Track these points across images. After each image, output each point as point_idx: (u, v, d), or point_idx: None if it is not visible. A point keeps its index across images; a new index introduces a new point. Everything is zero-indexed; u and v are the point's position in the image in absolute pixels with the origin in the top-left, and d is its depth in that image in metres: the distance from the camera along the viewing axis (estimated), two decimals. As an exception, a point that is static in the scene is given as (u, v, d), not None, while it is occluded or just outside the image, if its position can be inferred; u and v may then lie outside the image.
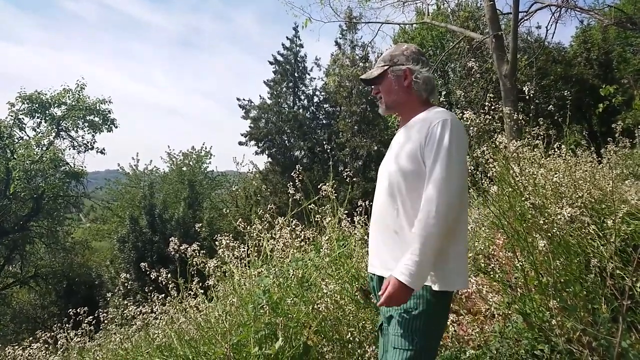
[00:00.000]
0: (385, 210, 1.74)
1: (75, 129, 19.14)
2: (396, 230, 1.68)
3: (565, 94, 5.52)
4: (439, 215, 1.52)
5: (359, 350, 2.54)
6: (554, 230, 2.64)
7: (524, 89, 3.30)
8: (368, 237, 1.93)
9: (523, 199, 2.75)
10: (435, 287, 1.60)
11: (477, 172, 3.00)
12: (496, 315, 2.74)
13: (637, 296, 2.27)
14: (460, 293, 2.99)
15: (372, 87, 1.90)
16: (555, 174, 3.16)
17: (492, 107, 3.05)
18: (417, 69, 1.77)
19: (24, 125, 18.67)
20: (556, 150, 3.78)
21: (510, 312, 2.64)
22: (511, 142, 3.13)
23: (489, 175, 3.05)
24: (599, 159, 4.32)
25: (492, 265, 2.78)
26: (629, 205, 3.00)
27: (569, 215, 2.62)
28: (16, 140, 18.36)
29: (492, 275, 2.76)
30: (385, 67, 1.81)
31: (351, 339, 2.57)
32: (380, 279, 1.74)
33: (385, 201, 1.74)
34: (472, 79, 12.74)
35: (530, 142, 3.70)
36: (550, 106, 3.62)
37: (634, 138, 4.76)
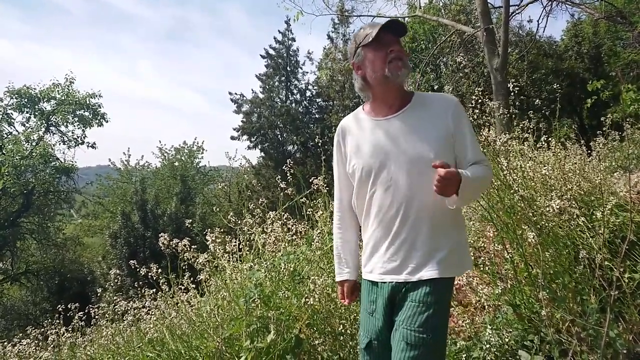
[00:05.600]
0: (424, 203, 1.58)
1: (65, 123, 19.02)
2: (437, 224, 1.59)
3: (555, 87, 5.56)
4: (490, 178, 1.68)
5: (350, 343, 2.55)
6: (543, 223, 2.67)
7: (509, 86, 3.31)
8: (361, 230, 1.77)
9: (512, 191, 2.77)
10: (455, 273, 1.64)
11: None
12: (486, 307, 2.76)
13: (624, 287, 2.30)
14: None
15: (388, 45, 1.61)
16: (545, 166, 3.18)
17: (480, 101, 3.06)
18: None
19: (12, 121, 18.52)
20: (544, 143, 3.80)
21: (500, 303, 2.67)
22: (501, 136, 3.15)
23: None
24: (589, 151, 4.36)
25: (483, 257, 2.80)
26: (618, 197, 3.03)
27: (558, 207, 2.64)
28: (5, 136, 18.15)
29: (482, 268, 2.78)
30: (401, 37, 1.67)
31: (343, 331, 2.59)
32: (398, 285, 1.59)
33: (421, 193, 1.57)
34: (464, 72, 12.78)
35: (520, 135, 3.72)
36: (538, 100, 3.64)
37: (623, 131, 4.80)
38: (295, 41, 19.87)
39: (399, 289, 1.59)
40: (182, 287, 3.01)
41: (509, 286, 2.66)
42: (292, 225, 3.21)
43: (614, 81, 12.44)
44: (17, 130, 18.58)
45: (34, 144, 17.91)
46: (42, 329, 3.71)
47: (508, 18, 8.64)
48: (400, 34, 1.65)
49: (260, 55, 19.73)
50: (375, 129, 1.67)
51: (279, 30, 19.69)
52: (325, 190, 3.28)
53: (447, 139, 1.59)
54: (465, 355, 2.42)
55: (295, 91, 20.08)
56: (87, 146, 19.43)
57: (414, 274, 1.57)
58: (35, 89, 18.26)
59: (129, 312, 3.13)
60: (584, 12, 11.55)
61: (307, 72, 21.17)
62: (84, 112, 19.13)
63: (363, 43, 1.64)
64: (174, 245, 2.70)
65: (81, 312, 3.38)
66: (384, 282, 1.62)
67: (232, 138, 19.36)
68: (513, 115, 3.77)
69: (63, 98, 18.59)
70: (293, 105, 19.75)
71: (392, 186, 1.59)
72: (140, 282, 3.18)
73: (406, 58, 1.63)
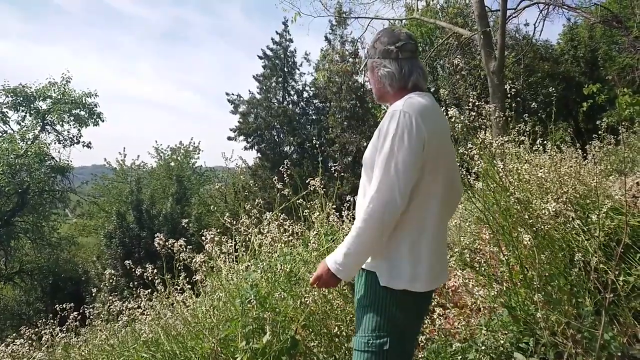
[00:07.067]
0: (358, 202, 1.73)
1: (60, 122, 18.88)
2: None
3: (551, 91, 5.59)
4: (373, 210, 1.49)
5: (346, 344, 2.55)
6: (539, 225, 2.68)
7: (506, 87, 3.33)
8: None
9: (508, 194, 2.78)
10: (381, 282, 1.57)
11: (461, 169, 3.02)
12: (482, 309, 2.77)
13: (619, 290, 2.31)
14: (447, 287, 3.02)
15: None
16: (541, 169, 3.20)
17: (476, 104, 3.08)
18: (380, 62, 1.71)
19: (8, 119, 18.41)
20: (540, 146, 3.82)
21: (495, 305, 2.67)
22: (497, 138, 3.16)
23: (472, 171, 3.07)
24: (584, 155, 4.38)
25: (478, 259, 2.80)
26: (613, 201, 3.05)
27: (554, 210, 2.65)
28: (0, 134, 18.04)
29: (478, 270, 2.79)
30: (366, 60, 1.82)
31: (339, 333, 2.59)
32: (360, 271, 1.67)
33: (359, 192, 1.73)
34: (461, 74, 12.82)
35: (516, 138, 3.74)
36: (534, 103, 3.66)
37: (618, 135, 4.83)
38: (292, 42, 19.91)
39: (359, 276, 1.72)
40: (178, 288, 3.00)
41: (504, 288, 2.66)
42: (289, 226, 3.21)
43: (610, 85, 12.53)
44: (12, 129, 18.49)
45: (29, 142, 17.78)
46: (36, 329, 3.69)
47: (505, 21, 8.70)
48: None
49: (258, 56, 19.74)
50: None
51: (276, 32, 19.71)
52: (322, 192, 3.28)
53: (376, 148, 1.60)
54: (460, 357, 2.43)
55: (292, 92, 20.08)
56: (83, 145, 19.34)
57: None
58: (30, 87, 18.17)
59: (124, 312, 3.12)
60: (580, 17, 11.63)
61: (305, 74, 21.20)
62: (79, 111, 19.04)
63: None
64: (169, 246, 2.68)
65: (75, 312, 3.36)
66: None
67: (229, 139, 19.34)
68: (509, 118, 3.79)
69: (59, 97, 18.48)
70: (290, 106, 19.74)
71: None
72: (135, 283, 3.16)
73: (371, 85, 1.82)
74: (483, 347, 2.39)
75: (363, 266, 1.62)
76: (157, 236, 2.64)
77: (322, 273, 1.62)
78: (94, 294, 7.93)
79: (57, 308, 3.35)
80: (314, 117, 20.24)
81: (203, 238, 2.77)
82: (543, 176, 3.09)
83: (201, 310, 2.75)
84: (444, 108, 2.79)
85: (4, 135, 18.02)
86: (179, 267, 2.87)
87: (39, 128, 18.51)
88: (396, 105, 1.59)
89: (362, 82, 17.34)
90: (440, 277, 1.71)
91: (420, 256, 1.58)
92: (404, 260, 1.57)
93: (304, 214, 3.28)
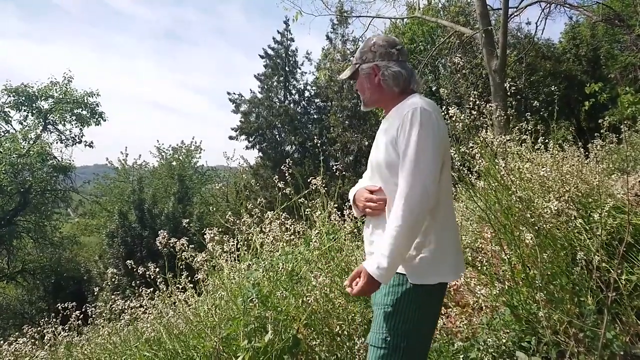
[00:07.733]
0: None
1: (62, 122, 18.91)
2: (377, 223, 1.69)
3: (553, 89, 5.57)
4: (410, 206, 1.51)
5: (348, 343, 2.55)
6: (541, 224, 2.67)
7: (507, 86, 3.33)
8: (358, 230, 1.92)
9: (510, 193, 2.77)
10: (413, 281, 1.59)
11: (463, 168, 3.02)
12: (484, 308, 2.77)
13: (622, 289, 2.31)
14: (449, 286, 3.02)
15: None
16: (542, 168, 3.19)
17: (477, 103, 3.07)
18: (383, 64, 1.73)
19: (10, 119, 18.43)
20: (541, 145, 3.81)
21: (497, 304, 2.67)
22: (499, 137, 3.16)
23: (474, 170, 3.07)
24: (586, 154, 4.37)
25: (480, 258, 2.80)
26: (615, 199, 3.04)
27: (556, 209, 2.65)
28: (2, 134, 18.09)
29: (480, 269, 2.78)
30: (357, 66, 1.80)
31: (340, 331, 2.59)
32: None
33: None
34: (462, 73, 12.81)
35: (518, 137, 3.73)
36: (536, 102, 3.65)
37: (620, 133, 4.81)
38: (294, 41, 19.90)
39: None
40: (180, 287, 3.01)
41: (506, 287, 2.66)
42: (290, 225, 3.21)
43: (612, 84, 12.50)
44: (14, 129, 18.53)
45: (31, 142, 17.82)
46: (38, 328, 3.70)
47: (507, 20, 8.68)
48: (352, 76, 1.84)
49: (259, 55, 19.73)
50: None
51: (277, 31, 19.70)
52: (324, 191, 3.28)
53: (393, 148, 1.62)
54: (462, 355, 2.43)
55: (293, 91, 20.07)
56: (85, 145, 19.39)
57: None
58: (33, 87, 18.20)
59: (126, 311, 3.12)
60: (582, 15, 11.61)
61: (306, 73, 21.27)
62: (81, 110, 19.05)
63: None
64: (171, 245, 2.69)
65: (77, 311, 3.36)
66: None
67: (231, 138, 19.36)
68: (511, 117, 3.78)
69: (61, 96, 18.50)
70: (291, 105, 19.73)
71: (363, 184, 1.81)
72: (138, 282, 3.17)
73: (361, 93, 1.83)
74: (485, 346, 2.38)
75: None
76: (160, 234, 2.65)
77: (364, 283, 1.56)
78: (96, 293, 7.97)
79: (60, 307, 3.36)
80: (315, 116, 20.24)
81: (205, 237, 2.77)
82: (545, 175, 3.08)
83: (203, 309, 2.76)
84: (445, 107, 2.80)
85: (6, 134, 18.07)
86: (181, 266, 2.87)
87: (41, 127, 18.54)
88: (413, 103, 1.63)
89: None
90: (462, 266, 1.78)
91: (447, 249, 1.64)
92: (434, 255, 1.61)
93: (306, 213, 3.28)
